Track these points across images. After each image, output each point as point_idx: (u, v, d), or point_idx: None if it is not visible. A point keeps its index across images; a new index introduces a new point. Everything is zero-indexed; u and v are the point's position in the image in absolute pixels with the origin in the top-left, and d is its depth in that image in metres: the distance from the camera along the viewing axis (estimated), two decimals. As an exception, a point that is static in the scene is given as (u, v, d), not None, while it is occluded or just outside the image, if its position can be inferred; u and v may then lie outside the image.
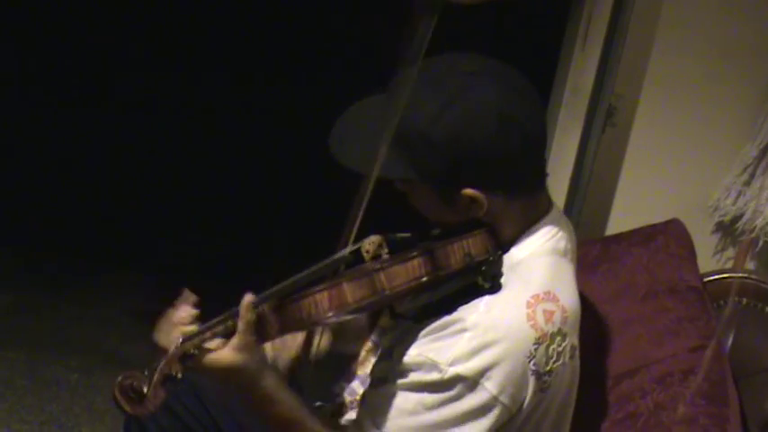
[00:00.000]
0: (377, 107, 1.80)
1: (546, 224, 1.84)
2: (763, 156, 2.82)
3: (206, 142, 5.87)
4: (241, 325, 1.68)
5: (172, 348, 1.69)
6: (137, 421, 2.15)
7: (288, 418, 1.77)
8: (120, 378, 1.66)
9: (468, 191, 1.73)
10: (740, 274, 2.46)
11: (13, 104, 5.85)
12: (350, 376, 2.12)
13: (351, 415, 2.05)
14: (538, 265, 1.80)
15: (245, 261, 4.60)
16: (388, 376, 1.83)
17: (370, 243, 1.74)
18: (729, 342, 2.34)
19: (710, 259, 2.92)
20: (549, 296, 1.76)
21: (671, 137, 2.91)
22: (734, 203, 2.86)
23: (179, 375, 1.68)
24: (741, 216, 2.84)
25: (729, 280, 2.44)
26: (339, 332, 2.13)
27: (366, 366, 2.11)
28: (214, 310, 1.77)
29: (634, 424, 2.00)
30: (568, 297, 1.81)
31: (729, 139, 2.87)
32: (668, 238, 2.39)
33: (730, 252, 2.94)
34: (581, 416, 2.00)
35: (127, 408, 1.64)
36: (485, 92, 1.69)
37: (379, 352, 2.04)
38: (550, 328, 1.73)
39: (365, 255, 1.73)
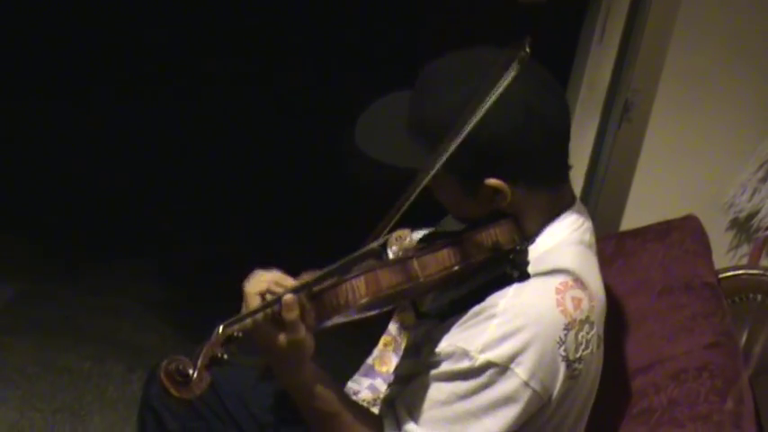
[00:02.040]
0: (404, 102, 1.81)
1: (570, 216, 1.85)
2: (780, 153, 2.82)
3: (221, 132, 5.87)
4: (289, 315, 1.67)
5: (213, 334, 1.69)
6: (152, 411, 2.16)
7: (324, 411, 1.79)
8: (165, 362, 1.65)
9: (492, 181, 1.74)
10: (755, 271, 2.46)
11: (26, 93, 5.86)
12: (369, 371, 2.12)
13: (373, 411, 2.06)
14: (565, 254, 1.81)
15: (257, 252, 4.62)
16: (418, 371, 1.83)
17: (397, 237, 1.75)
18: (743, 339, 2.34)
19: (725, 256, 2.92)
20: (577, 283, 1.77)
21: (687, 133, 2.91)
22: (749, 200, 2.86)
23: (225, 357, 1.67)
24: (757, 213, 2.83)
25: (744, 277, 2.44)
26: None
27: (385, 362, 2.11)
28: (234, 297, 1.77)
29: (648, 420, 2.00)
30: (595, 286, 1.83)
31: (746, 136, 2.86)
32: (684, 234, 2.38)
33: (745, 249, 2.93)
34: (595, 411, 2.00)
35: (173, 392, 1.63)
36: (515, 85, 1.69)
37: (401, 349, 2.05)
38: (579, 315, 1.74)
39: (393, 248, 1.74)
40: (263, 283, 1.73)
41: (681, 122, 2.90)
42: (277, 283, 1.74)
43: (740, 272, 2.45)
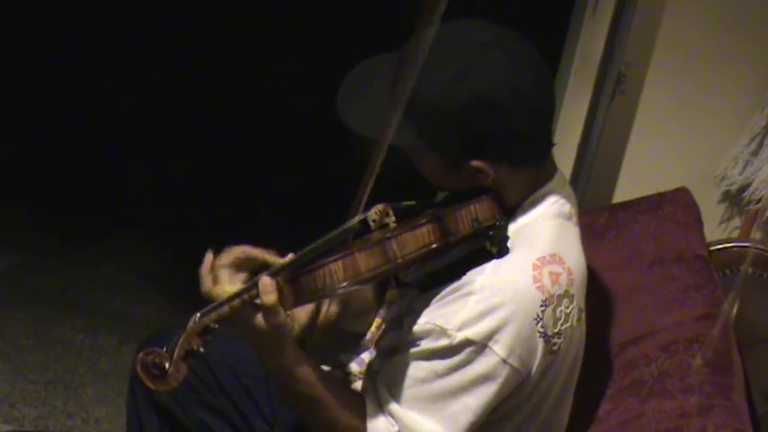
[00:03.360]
0: (387, 68, 1.79)
1: (550, 189, 1.85)
2: (772, 125, 2.81)
3: (215, 104, 5.86)
4: (267, 299, 1.67)
5: (190, 323, 1.70)
6: (142, 383, 2.16)
7: (306, 394, 1.78)
8: (141, 355, 1.67)
9: (475, 162, 1.74)
10: (746, 244, 2.46)
11: (23, 66, 5.85)
12: (359, 350, 2.13)
13: (357, 385, 2.06)
14: (543, 228, 1.81)
15: (252, 223, 4.62)
16: (399, 346, 1.84)
17: (377, 212, 1.74)
18: (734, 311, 2.34)
19: (717, 228, 2.92)
20: (555, 258, 1.77)
21: (680, 105, 2.90)
22: (741, 173, 2.85)
23: (201, 350, 1.68)
24: (748, 185, 2.83)
25: (735, 249, 2.44)
26: (346, 308, 2.13)
27: (374, 340, 2.12)
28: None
29: (639, 391, 2.00)
30: (574, 259, 1.82)
31: (738, 109, 2.86)
32: (676, 206, 2.39)
33: (737, 221, 2.93)
34: (587, 382, 2.01)
35: (150, 384, 1.65)
36: (498, 65, 1.70)
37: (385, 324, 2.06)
38: (557, 290, 1.74)
39: (372, 224, 1.73)
40: (230, 255, 1.74)
41: (673, 95, 2.89)
42: (246, 254, 1.75)
43: (731, 244, 2.46)
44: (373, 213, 1.74)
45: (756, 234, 2.86)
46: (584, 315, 1.86)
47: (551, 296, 1.73)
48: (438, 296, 1.77)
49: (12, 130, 5.30)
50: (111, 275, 4.25)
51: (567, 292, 1.76)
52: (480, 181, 1.77)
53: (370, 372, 1.98)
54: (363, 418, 1.80)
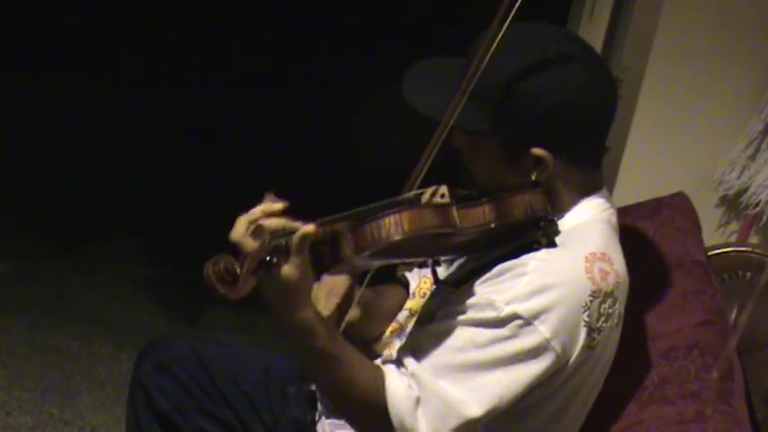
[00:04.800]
0: (454, 63, 1.85)
1: (599, 198, 1.87)
2: (769, 130, 2.81)
3: (210, 110, 5.86)
4: (296, 245, 1.64)
5: (262, 240, 1.64)
6: (142, 390, 2.16)
7: (324, 350, 1.72)
8: (216, 258, 1.62)
9: (538, 150, 1.77)
10: (745, 248, 2.46)
11: (16, 71, 5.83)
12: (371, 355, 2.12)
13: None
14: (594, 230, 1.83)
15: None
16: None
17: (433, 191, 1.74)
18: (733, 316, 2.34)
19: (715, 233, 2.92)
20: (605, 257, 1.79)
21: (677, 110, 2.90)
22: (738, 177, 2.85)
23: (274, 260, 1.63)
24: (746, 190, 2.83)
25: (734, 253, 2.45)
26: (368, 313, 2.12)
27: (390, 347, 2.11)
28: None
29: (639, 397, 2.01)
30: (621, 266, 1.84)
31: (735, 113, 2.86)
32: (674, 211, 2.39)
33: (735, 226, 2.93)
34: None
35: (218, 286, 1.61)
36: (577, 59, 1.78)
37: (405, 336, 2.05)
38: (605, 287, 1.76)
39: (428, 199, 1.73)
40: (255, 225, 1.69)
41: (670, 100, 2.89)
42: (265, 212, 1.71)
43: (729, 249, 2.46)
44: (430, 192, 1.74)
45: (754, 238, 2.86)
46: (621, 323, 1.86)
47: (599, 290, 1.75)
48: (485, 276, 1.77)
49: (6, 135, 5.28)
50: (107, 283, 4.25)
51: (612, 292, 1.78)
52: (538, 174, 1.79)
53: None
54: (381, 382, 1.75)
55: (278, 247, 1.64)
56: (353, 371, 1.75)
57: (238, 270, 1.62)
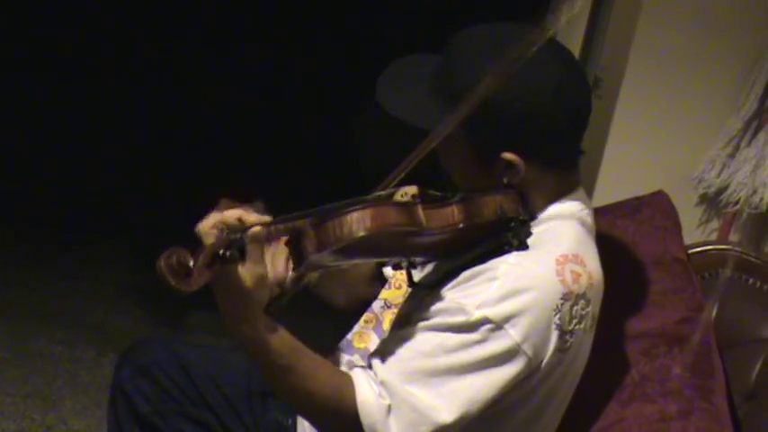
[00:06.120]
0: (425, 63, 1.84)
1: (574, 199, 1.86)
2: (748, 128, 2.82)
3: (189, 114, 5.85)
4: (249, 245, 1.63)
5: (217, 236, 1.63)
6: (123, 394, 2.15)
7: (281, 365, 1.72)
8: (168, 251, 1.59)
9: (509, 155, 1.76)
10: (725, 246, 2.47)
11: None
12: (347, 347, 2.11)
13: None
14: (567, 231, 1.82)
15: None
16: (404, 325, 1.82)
17: (404, 192, 1.73)
18: (713, 314, 2.35)
19: (695, 231, 2.92)
20: (577, 259, 1.78)
21: (656, 109, 2.91)
22: (718, 176, 2.86)
23: (228, 254, 1.61)
24: (725, 188, 2.84)
25: (714, 252, 2.45)
26: (329, 275, 2.09)
27: (364, 339, 2.10)
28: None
29: (619, 395, 2.01)
30: (594, 267, 1.84)
31: (714, 112, 2.87)
32: (653, 210, 2.39)
33: (715, 224, 2.94)
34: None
35: (170, 279, 1.59)
36: (549, 63, 1.75)
37: (381, 329, 2.04)
38: (577, 289, 1.75)
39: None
40: (218, 217, 1.67)
41: (649, 99, 2.90)
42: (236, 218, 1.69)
43: (709, 247, 2.46)
44: (401, 193, 1.74)
45: (734, 236, 2.87)
46: (595, 325, 1.86)
47: (571, 292, 1.74)
48: (456, 281, 1.77)
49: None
50: (89, 287, 4.24)
51: (585, 294, 1.77)
52: (510, 178, 1.78)
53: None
54: (349, 391, 1.74)
55: (233, 241, 1.62)
56: (311, 382, 1.74)
57: (191, 263, 1.59)
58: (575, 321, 1.76)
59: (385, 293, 2.16)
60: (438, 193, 1.79)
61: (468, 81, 1.71)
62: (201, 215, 1.72)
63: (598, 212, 2.48)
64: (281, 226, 1.67)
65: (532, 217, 1.82)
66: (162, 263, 1.58)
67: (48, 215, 4.78)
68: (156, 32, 6.38)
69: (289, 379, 1.74)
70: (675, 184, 2.76)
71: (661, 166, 2.92)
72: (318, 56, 6.25)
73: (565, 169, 1.86)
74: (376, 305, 2.15)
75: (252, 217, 1.67)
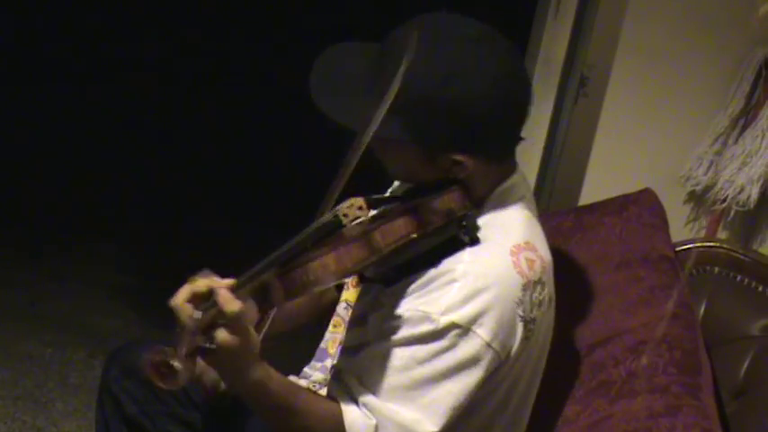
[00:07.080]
0: (360, 57, 1.82)
1: (514, 181, 1.87)
2: (735, 126, 2.83)
3: (183, 114, 5.85)
4: (229, 310, 1.60)
5: (194, 320, 1.61)
6: (111, 395, 2.15)
7: (280, 406, 1.74)
8: (150, 355, 1.61)
9: (455, 155, 1.76)
10: (712, 243, 2.47)
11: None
12: (321, 354, 2.11)
13: (322, 392, 2.03)
14: (514, 219, 1.83)
15: (221, 237, 4.61)
16: (367, 341, 1.83)
17: (348, 206, 1.72)
18: (702, 311, 2.35)
19: (683, 228, 2.93)
20: (529, 246, 1.80)
21: (643, 107, 2.92)
22: (705, 173, 2.87)
23: (209, 345, 1.62)
24: (713, 186, 2.84)
25: (701, 249, 2.45)
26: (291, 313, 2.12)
27: (337, 342, 2.10)
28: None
29: (607, 392, 2.01)
30: (544, 249, 1.86)
31: (701, 110, 2.87)
32: (641, 207, 2.39)
33: (702, 221, 2.95)
34: (555, 384, 2.02)
35: (160, 384, 1.61)
36: (487, 61, 1.73)
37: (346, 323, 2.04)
38: (533, 276, 1.77)
39: (344, 218, 1.71)
40: (188, 289, 1.64)
41: (637, 97, 2.91)
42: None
43: (697, 244, 2.47)
44: (344, 208, 1.73)
45: (722, 234, 2.88)
46: (554, 303, 1.88)
47: (529, 281, 1.76)
48: (414, 285, 1.77)
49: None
50: (79, 289, 4.23)
51: (540, 278, 1.79)
52: (455, 174, 1.78)
53: (336, 373, 1.96)
54: (339, 419, 1.76)
55: (210, 324, 1.62)
56: (309, 418, 1.77)
57: (175, 364, 1.58)
58: (535, 308, 1.78)
59: (345, 295, 2.17)
60: (382, 196, 1.80)
61: (417, 88, 1.70)
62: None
63: (585, 210, 2.50)
64: (248, 286, 1.65)
65: (478, 204, 1.83)
66: (148, 370, 1.60)
67: (38, 217, 4.77)
68: (156, 33, 6.38)
69: (289, 418, 1.77)
70: (663, 181, 2.77)
71: (649, 163, 2.92)
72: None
73: (507, 156, 1.87)
74: (340, 308, 2.16)
75: (219, 282, 1.64)
